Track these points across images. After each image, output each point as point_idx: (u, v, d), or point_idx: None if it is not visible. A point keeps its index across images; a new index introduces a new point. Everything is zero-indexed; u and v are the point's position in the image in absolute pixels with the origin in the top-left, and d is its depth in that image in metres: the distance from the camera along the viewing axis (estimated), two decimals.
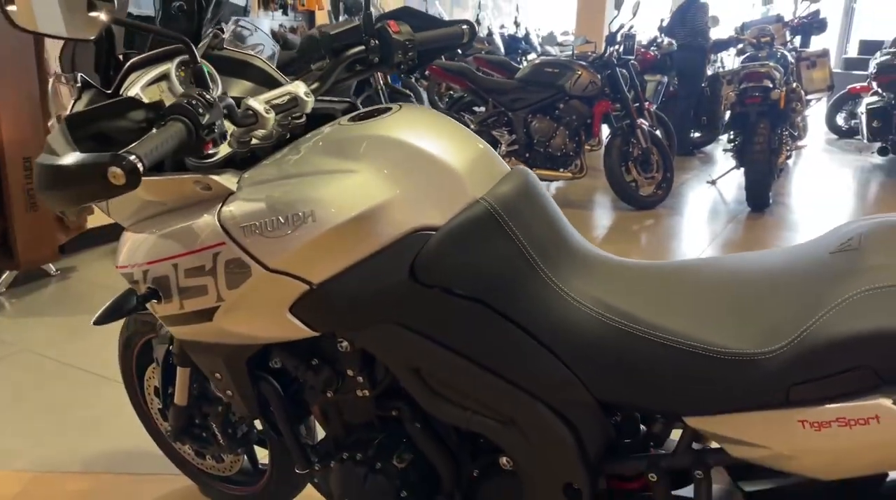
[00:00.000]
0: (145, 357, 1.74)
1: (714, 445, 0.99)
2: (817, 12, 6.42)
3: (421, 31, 1.36)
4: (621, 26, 4.73)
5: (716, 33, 6.46)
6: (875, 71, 6.10)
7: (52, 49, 3.07)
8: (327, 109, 1.31)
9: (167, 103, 1.25)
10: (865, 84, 6.86)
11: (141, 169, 0.87)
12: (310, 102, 1.20)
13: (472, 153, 1.11)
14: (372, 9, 1.29)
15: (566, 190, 5.40)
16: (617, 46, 4.70)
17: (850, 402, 0.80)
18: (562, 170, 4.76)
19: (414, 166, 1.05)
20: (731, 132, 5.00)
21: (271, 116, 1.12)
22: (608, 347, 0.98)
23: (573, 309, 1.02)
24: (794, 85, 4.96)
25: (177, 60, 1.27)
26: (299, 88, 1.20)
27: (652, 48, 6.58)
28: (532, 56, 9.18)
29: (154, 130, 0.97)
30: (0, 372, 2.44)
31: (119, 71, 1.25)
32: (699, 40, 6.31)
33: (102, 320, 1.20)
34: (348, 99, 1.37)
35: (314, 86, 1.25)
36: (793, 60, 5.69)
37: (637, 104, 4.77)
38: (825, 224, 4.56)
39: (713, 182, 5.67)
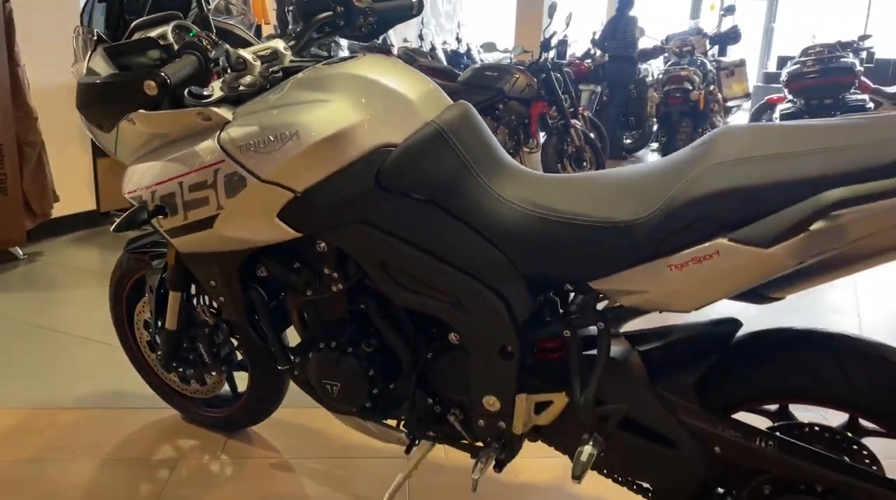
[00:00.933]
0: (135, 295, 1.96)
1: (612, 305, 1.29)
2: (735, 26, 6.97)
3: (378, 1, 1.65)
4: (554, 33, 5.13)
5: (643, 44, 6.95)
6: (786, 79, 6.65)
7: (22, 43, 3.26)
8: (300, 66, 1.59)
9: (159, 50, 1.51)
10: (781, 95, 7.44)
11: (169, 83, 1.13)
12: (287, 56, 1.48)
13: (423, 87, 1.39)
14: None
15: None
16: (550, 52, 5.08)
17: (700, 244, 1.11)
18: None
19: (377, 96, 1.34)
20: (659, 132, 5.43)
21: (258, 63, 1.39)
22: (528, 231, 1.27)
23: (503, 205, 1.31)
24: (713, 88, 5.43)
25: (172, 24, 1.53)
26: (279, 44, 1.48)
27: (586, 60, 7.03)
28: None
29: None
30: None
31: (125, 30, 1.51)
32: (629, 51, 6.78)
33: (121, 228, 1.44)
34: (315, 59, 1.64)
35: (291, 43, 1.53)
36: (712, 68, 6.19)
37: (571, 107, 5.15)
38: None
39: None
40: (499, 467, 1.44)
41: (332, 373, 1.49)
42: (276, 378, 1.86)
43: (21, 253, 3.47)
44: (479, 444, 1.46)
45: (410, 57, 9.25)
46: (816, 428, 1.24)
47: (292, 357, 1.59)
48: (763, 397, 1.28)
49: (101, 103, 1.20)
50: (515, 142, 5.09)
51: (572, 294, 1.35)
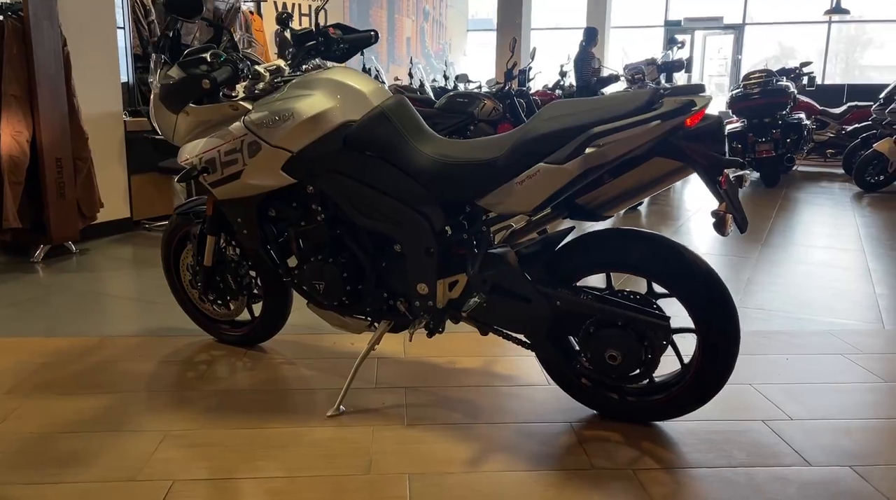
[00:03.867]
0: (179, 249, 2.74)
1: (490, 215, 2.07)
2: (681, 59, 7.84)
3: (348, 34, 2.45)
4: (514, 65, 5.98)
5: (604, 73, 7.83)
6: (730, 101, 7.50)
7: (77, 78, 4.11)
8: (294, 76, 2.39)
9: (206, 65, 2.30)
10: (730, 118, 8.30)
11: (217, 81, 1.94)
12: (287, 70, 2.29)
13: (373, 85, 2.19)
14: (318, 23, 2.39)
15: None
16: (512, 81, 5.92)
17: (529, 169, 1.88)
18: None
19: (343, 90, 2.13)
20: None
21: (267, 75, 2.20)
22: (438, 171, 2.04)
23: (423, 157, 2.09)
24: None
25: (210, 52, 2.33)
26: (281, 62, 2.29)
27: (557, 90, 7.89)
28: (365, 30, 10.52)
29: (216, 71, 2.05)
30: (55, 300, 3.37)
31: (179, 55, 2.32)
32: (590, 81, 7.66)
33: (183, 179, 2.23)
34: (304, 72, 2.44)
35: (289, 62, 2.33)
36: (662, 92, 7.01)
37: None
38: (690, 223, 5.78)
39: None
40: (430, 334, 2.20)
41: (319, 276, 2.26)
42: (282, 300, 2.62)
43: (74, 248, 4.27)
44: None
45: (400, 92, 10.21)
46: (625, 292, 2.01)
47: (293, 271, 2.35)
48: (589, 270, 2.05)
49: (176, 93, 2.03)
50: None
51: (468, 210, 2.13)
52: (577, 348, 2.09)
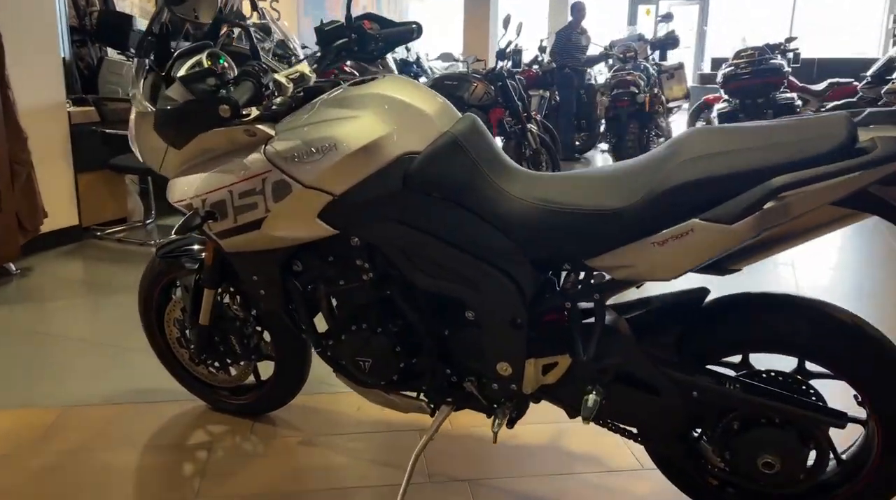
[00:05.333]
0: (164, 297, 2.15)
1: (605, 278, 1.56)
2: (672, 32, 7.41)
3: (385, 27, 1.89)
4: (509, 43, 5.43)
5: (591, 51, 7.35)
6: (722, 81, 7.11)
7: (10, 67, 3.41)
8: (320, 87, 1.83)
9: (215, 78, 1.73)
10: (718, 95, 7.93)
11: (239, 106, 1.36)
12: (312, 78, 1.71)
13: (437, 103, 1.64)
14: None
15: None
16: (506, 61, 5.38)
17: (676, 225, 1.38)
18: None
19: (400, 111, 1.58)
20: (609, 135, 5.79)
21: (290, 86, 1.62)
22: (532, 221, 1.53)
23: (510, 200, 1.56)
24: (657, 91, 5.81)
25: (206, 52, 1.75)
26: (305, 67, 1.71)
27: (534, 66, 7.37)
28: (423, 80, 9.87)
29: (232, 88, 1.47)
30: None
31: (170, 58, 1.72)
32: (579, 60, 7.17)
33: (182, 230, 1.64)
34: (332, 79, 1.88)
35: (314, 66, 1.76)
36: (655, 72, 6.59)
37: (525, 112, 5.46)
38: None
39: None
40: (510, 424, 1.70)
41: (364, 351, 1.72)
42: (300, 365, 2.08)
43: (14, 268, 3.59)
44: (494, 406, 1.71)
45: (362, 68, 9.52)
46: (772, 374, 1.54)
47: (324, 341, 1.81)
48: (728, 350, 1.57)
49: (182, 123, 1.43)
50: None
51: (570, 272, 1.62)
52: (707, 442, 1.62)
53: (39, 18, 3.86)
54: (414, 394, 1.83)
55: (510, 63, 5.39)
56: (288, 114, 1.65)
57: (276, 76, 1.61)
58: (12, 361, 2.63)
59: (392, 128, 1.55)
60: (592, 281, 1.58)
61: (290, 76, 1.67)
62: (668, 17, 7.50)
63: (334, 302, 1.78)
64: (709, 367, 1.58)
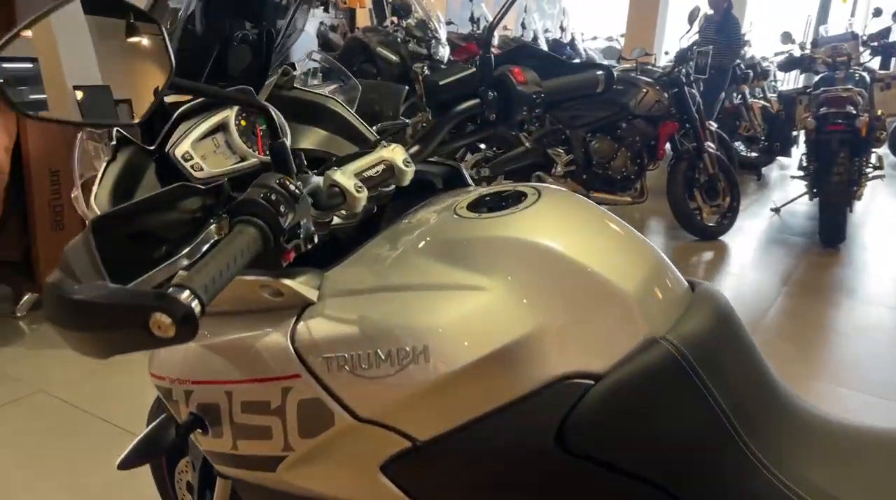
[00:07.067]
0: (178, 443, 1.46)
1: None
2: (888, 30, 6.02)
3: (547, 77, 1.06)
4: (694, 43, 4.39)
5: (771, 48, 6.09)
6: None
7: None
8: (424, 173, 1.03)
9: (223, 165, 0.98)
10: None
11: (199, 312, 0.58)
12: (409, 173, 0.91)
13: (648, 269, 0.80)
14: (491, 52, 0.99)
15: (623, 215, 4.98)
16: (687, 64, 4.36)
17: None
18: (620, 194, 4.43)
19: (567, 286, 0.76)
20: (804, 158, 4.65)
21: (363, 195, 0.83)
22: None
23: (782, 495, 0.72)
24: (879, 112, 4.59)
25: (236, 108, 0.99)
26: (397, 154, 0.91)
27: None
28: (576, 61, 8.87)
29: (210, 238, 0.69)
30: (15, 417, 2.19)
31: (166, 121, 0.98)
32: (733, 57, 5.97)
33: (127, 463, 0.92)
34: (451, 162, 1.08)
35: (414, 149, 0.96)
36: (868, 82, 5.30)
37: (704, 128, 4.43)
38: None
39: (777, 210, 5.30)
40: None
41: None
42: None
43: None
44: None
45: (510, 47, 8.59)
46: None
47: None
48: None
49: (78, 332, 0.65)
50: (638, 166, 4.40)
51: None
52: None
53: None
54: None
55: (692, 66, 4.36)
56: (351, 250, 0.87)
57: (337, 178, 0.82)
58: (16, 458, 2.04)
59: (543, 320, 0.74)
60: None
61: (365, 173, 0.87)
62: (877, 13, 6.08)
63: None
64: None
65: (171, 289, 0.58)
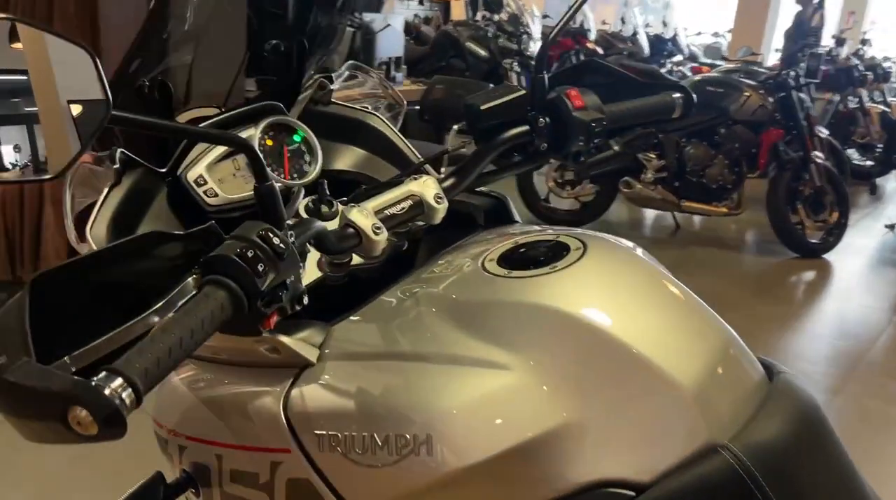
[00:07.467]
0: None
1: None
2: None
3: (611, 99, 0.91)
4: (806, 43, 4.05)
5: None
6: None
7: None
8: (464, 206, 0.91)
9: (243, 190, 0.89)
10: None
11: (130, 406, 0.48)
12: (441, 210, 0.78)
13: (714, 353, 0.65)
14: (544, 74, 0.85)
15: (717, 227, 4.75)
16: (798, 66, 4.02)
17: None
18: (716, 204, 4.15)
19: (609, 372, 0.62)
20: None
21: (382, 237, 0.70)
22: None
23: None
24: None
25: (263, 123, 0.89)
26: (428, 188, 0.78)
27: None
28: (678, 58, 8.45)
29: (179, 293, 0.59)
30: None
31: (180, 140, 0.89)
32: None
33: None
34: (496, 193, 0.94)
35: (449, 183, 0.83)
36: None
37: (812, 136, 4.09)
38: None
39: (892, 227, 4.86)
40: None
41: None
42: None
43: None
44: None
45: (608, 42, 8.29)
46: None
47: None
48: None
49: (10, 416, 0.55)
50: (736, 175, 4.10)
51: None
52: None
53: None
54: None
55: (804, 69, 4.02)
56: (368, 297, 0.76)
57: (352, 216, 0.70)
58: None
59: (577, 413, 0.60)
60: None
61: (388, 210, 0.75)
62: None
63: None
64: None
65: (100, 375, 0.47)
